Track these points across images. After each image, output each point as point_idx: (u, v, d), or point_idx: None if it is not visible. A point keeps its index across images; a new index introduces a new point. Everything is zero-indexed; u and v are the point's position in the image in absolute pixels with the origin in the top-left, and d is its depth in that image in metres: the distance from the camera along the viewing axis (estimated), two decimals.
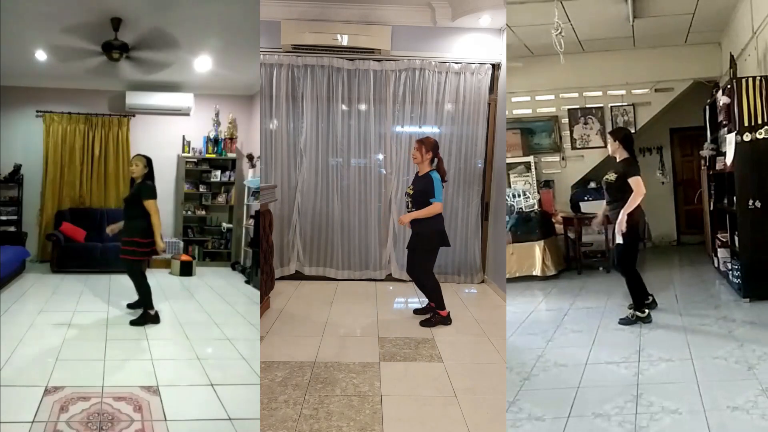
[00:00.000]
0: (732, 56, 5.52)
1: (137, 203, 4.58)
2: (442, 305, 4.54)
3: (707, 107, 6.25)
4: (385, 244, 6.06)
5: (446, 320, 4.53)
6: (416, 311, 4.78)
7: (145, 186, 4.65)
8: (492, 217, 6.15)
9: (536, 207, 6.68)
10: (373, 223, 6.10)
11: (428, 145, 4.49)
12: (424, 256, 4.56)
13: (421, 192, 4.42)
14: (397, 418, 2.82)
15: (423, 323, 4.49)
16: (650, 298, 4.53)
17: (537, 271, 6.27)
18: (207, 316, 5.14)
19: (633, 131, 7.21)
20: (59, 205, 7.71)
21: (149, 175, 4.73)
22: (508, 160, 6.59)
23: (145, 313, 4.71)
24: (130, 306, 5.11)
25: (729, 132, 4.97)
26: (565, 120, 7.34)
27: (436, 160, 4.53)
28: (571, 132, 7.32)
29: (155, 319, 4.72)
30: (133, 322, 4.65)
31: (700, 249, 7.51)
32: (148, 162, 4.75)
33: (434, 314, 4.54)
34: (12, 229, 7.48)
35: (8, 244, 6.73)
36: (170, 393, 3.18)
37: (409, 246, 4.73)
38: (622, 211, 4.09)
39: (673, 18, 5.85)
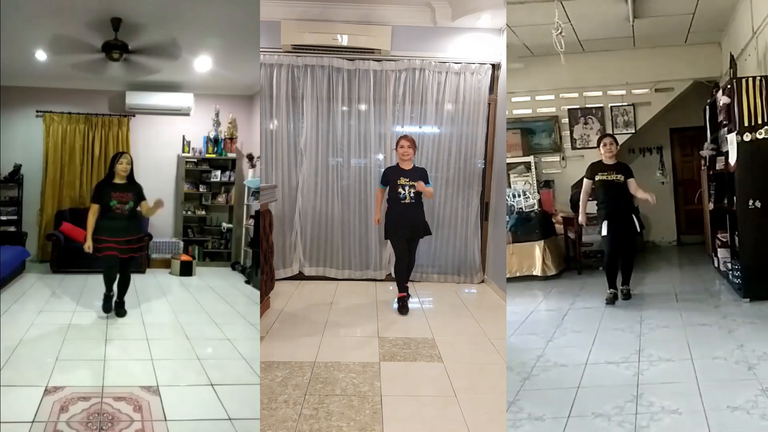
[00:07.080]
0: (732, 56, 5.52)
1: None
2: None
3: (707, 107, 6.25)
4: (385, 244, 6.05)
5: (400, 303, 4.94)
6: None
7: None
8: (492, 217, 6.15)
9: (536, 207, 6.68)
10: (373, 223, 6.08)
11: (414, 142, 5.04)
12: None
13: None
14: (397, 418, 2.82)
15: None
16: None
17: (537, 271, 6.27)
18: (207, 316, 5.14)
19: (633, 131, 7.23)
20: (59, 205, 7.71)
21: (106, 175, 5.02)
22: (508, 160, 6.59)
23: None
24: (117, 305, 5.06)
25: (729, 132, 4.97)
26: (565, 120, 7.33)
27: None
28: (571, 132, 7.33)
29: (105, 302, 4.95)
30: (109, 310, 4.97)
31: (700, 249, 7.50)
32: (111, 162, 4.99)
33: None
34: (12, 229, 7.48)
35: (8, 244, 6.72)
36: (170, 393, 3.17)
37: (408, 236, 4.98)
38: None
39: (673, 18, 5.85)
